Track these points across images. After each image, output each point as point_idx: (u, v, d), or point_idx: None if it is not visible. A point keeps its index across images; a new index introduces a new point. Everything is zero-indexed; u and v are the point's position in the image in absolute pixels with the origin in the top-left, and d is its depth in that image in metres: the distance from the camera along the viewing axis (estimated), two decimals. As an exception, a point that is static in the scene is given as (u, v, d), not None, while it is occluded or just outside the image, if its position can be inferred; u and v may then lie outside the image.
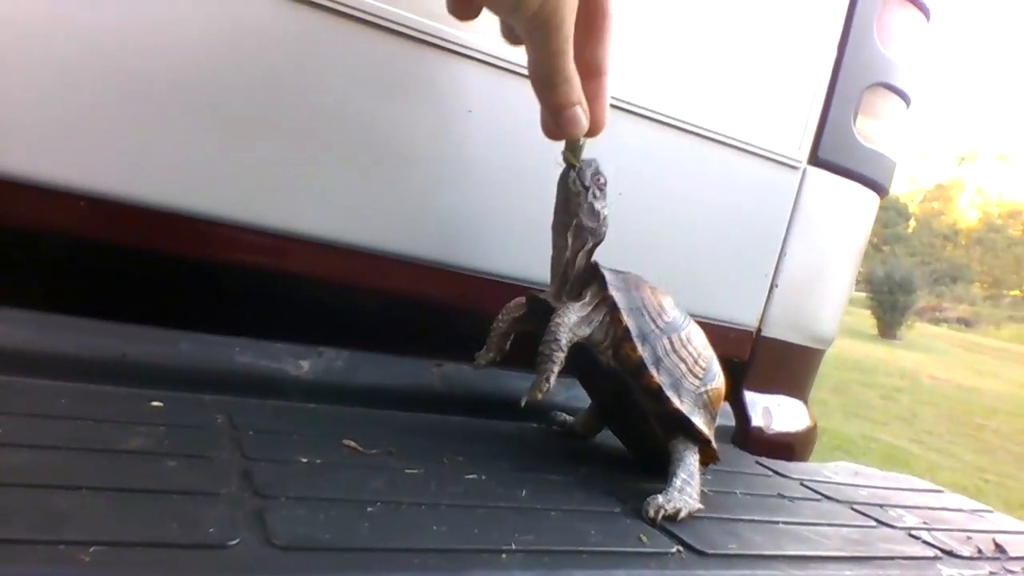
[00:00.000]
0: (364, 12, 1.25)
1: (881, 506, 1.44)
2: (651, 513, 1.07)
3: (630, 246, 1.60)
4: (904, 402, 11.44)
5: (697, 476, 1.16)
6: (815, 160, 1.77)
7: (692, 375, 1.21)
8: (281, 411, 1.22)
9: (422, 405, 1.40)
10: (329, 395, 1.33)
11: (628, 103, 1.52)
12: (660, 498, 1.10)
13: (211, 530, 0.76)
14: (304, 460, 1.01)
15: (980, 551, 1.27)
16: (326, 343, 1.38)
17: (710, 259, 1.72)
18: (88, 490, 0.78)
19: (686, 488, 1.12)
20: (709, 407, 1.23)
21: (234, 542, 0.74)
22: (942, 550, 1.24)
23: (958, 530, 1.38)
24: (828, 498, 1.44)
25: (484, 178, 1.43)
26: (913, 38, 1.87)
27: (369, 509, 0.89)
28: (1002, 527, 1.47)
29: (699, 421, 1.19)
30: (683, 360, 1.20)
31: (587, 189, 1.10)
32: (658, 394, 1.17)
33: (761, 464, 1.60)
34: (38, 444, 0.88)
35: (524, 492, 1.06)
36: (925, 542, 1.27)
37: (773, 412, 1.83)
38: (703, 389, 1.22)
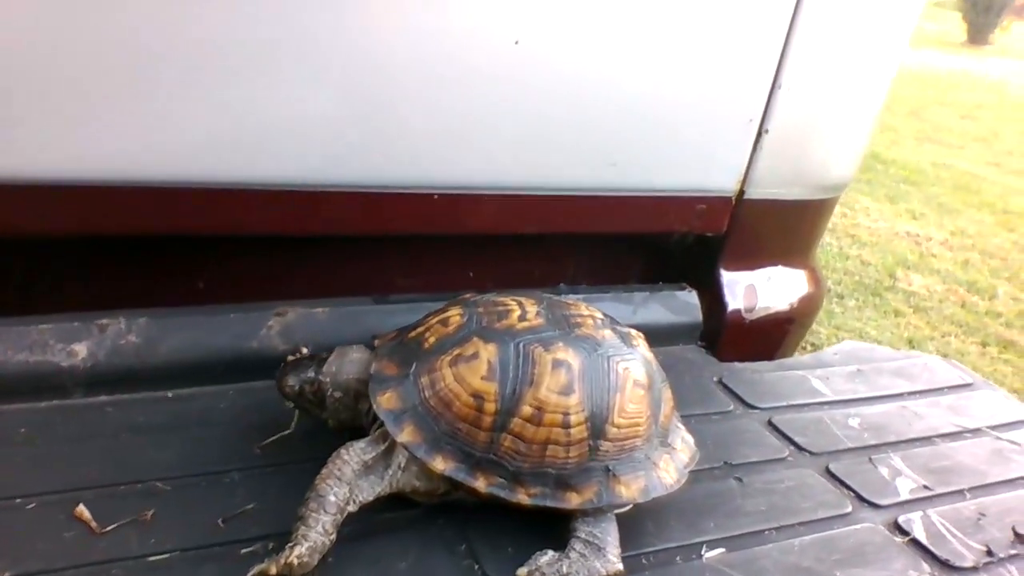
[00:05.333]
0: None
1: (871, 457, 1.10)
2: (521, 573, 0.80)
3: (559, 101, 1.15)
4: (986, 121, 10.42)
5: (610, 536, 0.83)
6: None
7: (572, 447, 0.83)
8: (44, 424, 0.93)
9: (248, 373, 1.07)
10: (118, 383, 1.02)
11: None
12: (543, 559, 0.81)
13: None
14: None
15: (990, 551, 0.93)
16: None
17: (664, 112, 1.22)
18: None
19: (590, 556, 0.81)
20: (626, 448, 0.87)
21: None
22: (934, 557, 0.91)
23: (968, 491, 1.05)
24: (798, 449, 1.10)
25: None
26: None
27: None
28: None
29: (607, 493, 0.84)
30: (550, 440, 0.83)
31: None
32: (540, 508, 0.83)
33: (724, 387, 1.24)
34: None
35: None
36: (913, 541, 0.94)
37: (760, 289, 1.42)
38: (603, 447, 0.85)
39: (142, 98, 0.96)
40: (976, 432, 1.20)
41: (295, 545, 0.75)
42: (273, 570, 0.73)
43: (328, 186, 1.09)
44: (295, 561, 0.73)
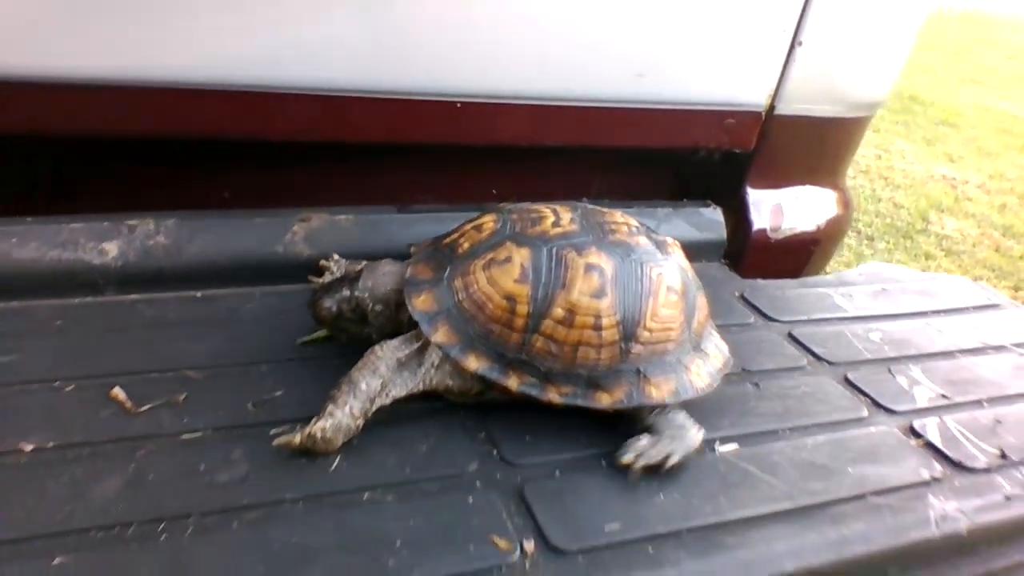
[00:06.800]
0: None
1: (890, 368, 1.10)
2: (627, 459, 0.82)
3: (585, 5, 1.13)
4: (1033, 62, 10.03)
5: (682, 418, 0.88)
6: None
7: (604, 349, 0.85)
8: (78, 318, 0.96)
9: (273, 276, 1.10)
10: (149, 282, 1.04)
11: None
12: (641, 443, 0.84)
13: None
14: (28, 449, 0.76)
15: (1004, 455, 0.94)
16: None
17: (694, 21, 1.19)
18: None
19: (677, 436, 0.86)
20: (657, 351, 0.88)
21: None
22: (947, 458, 0.92)
23: (986, 401, 1.05)
24: (816, 359, 1.10)
25: None
26: None
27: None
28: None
29: (637, 393, 0.86)
30: (581, 342, 0.84)
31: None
32: (570, 407, 0.85)
33: (745, 301, 1.24)
34: None
35: (338, 463, 0.79)
36: (927, 444, 0.94)
37: (786, 209, 1.41)
38: (635, 350, 0.86)
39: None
40: (999, 349, 1.19)
41: (320, 419, 0.78)
42: (297, 440, 0.77)
43: (348, 91, 1.09)
44: (318, 434, 0.76)
